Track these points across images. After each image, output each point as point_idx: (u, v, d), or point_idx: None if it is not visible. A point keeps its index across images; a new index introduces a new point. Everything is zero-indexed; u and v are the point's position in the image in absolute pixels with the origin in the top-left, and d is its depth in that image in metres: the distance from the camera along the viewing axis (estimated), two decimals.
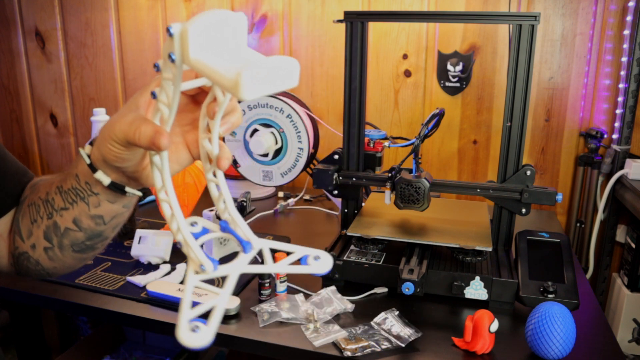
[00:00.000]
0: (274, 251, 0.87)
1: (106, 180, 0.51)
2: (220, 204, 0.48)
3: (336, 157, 1.01)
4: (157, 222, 1.26)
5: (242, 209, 0.98)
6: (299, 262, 0.48)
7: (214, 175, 0.48)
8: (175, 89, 0.42)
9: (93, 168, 0.51)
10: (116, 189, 0.52)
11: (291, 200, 1.42)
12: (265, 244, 0.47)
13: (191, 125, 0.51)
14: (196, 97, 0.50)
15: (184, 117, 0.51)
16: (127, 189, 0.53)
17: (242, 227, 0.47)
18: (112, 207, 0.55)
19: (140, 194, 0.55)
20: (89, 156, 0.51)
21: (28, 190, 0.62)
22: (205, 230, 0.49)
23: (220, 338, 0.81)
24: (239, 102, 0.50)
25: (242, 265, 0.46)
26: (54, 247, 0.58)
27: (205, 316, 0.41)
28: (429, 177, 0.92)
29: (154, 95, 0.44)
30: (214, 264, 0.45)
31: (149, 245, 1.03)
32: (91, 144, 0.52)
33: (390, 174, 0.94)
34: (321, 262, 0.48)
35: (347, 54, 0.95)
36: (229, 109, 0.46)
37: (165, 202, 0.47)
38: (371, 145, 1.02)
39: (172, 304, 0.87)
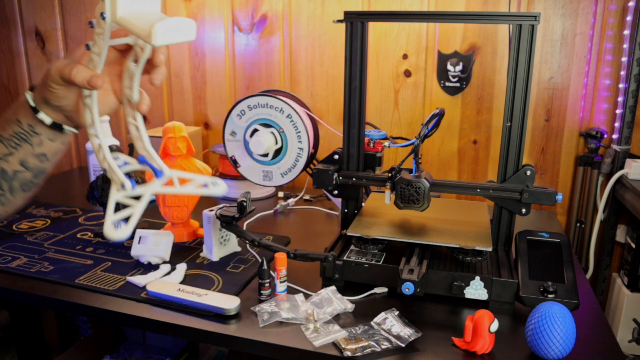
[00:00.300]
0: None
1: (48, 119, 0.61)
2: (139, 142, 0.61)
3: (336, 157, 1.01)
4: (157, 222, 1.26)
5: (242, 208, 0.98)
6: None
7: (134, 118, 0.61)
8: (105, 41, 0.54)
9: (36, 110, 0.61)
10: (56, 127, 0.62)
11: (291, 200, 1.42)
12: (175, 173, 0.62)
13: (119, 76, 0.63)
14: (124, 53, 0.61)
15: (114, 68, 0.62)
16: (65, 127, 0.62)
17: (156, 159, 0.60)
18: (53, 145, 0.64)
19: (76, 130, 0.65)
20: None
21: None
22: (125, 163, 0.61)
23: (220, 338, 0.81)
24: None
25: (154, 187, 0.60)
26: (5, 192, 0.64)
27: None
28: (429, 177, 0.92)
29: (87, 47, 0.56)
30: (132, 184, 0.59)
31: (149, 245, 1.03)
32: (31, 89, 0.62)
33: (390, 174, 0.94)
34: (218, 187, 0.62)
35: (347, 54, 0.95)
36: (154, 64, 0.59)
37: (94, 137, 0.59)
38: (371, 145, 1.02)
39: (172, 304, 0.87)
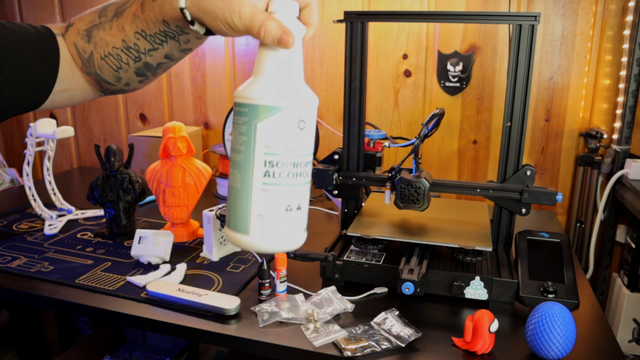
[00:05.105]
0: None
1: (202, 30, 0.57)
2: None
3: (336, 157, 1.01)
4: (157, 222, 1.26)
5: None
6: None
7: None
8: None
9: (192, 22, 0.55)
10: (208, 32, 0.58)
11: None
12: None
13: None
14: None
15: None
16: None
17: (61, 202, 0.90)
18: (199, 41, 0.62)
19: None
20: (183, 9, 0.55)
21: (79, 42, 0.64)
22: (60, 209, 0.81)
23: (220, 338, 0.81)
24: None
25: (66, 217, 0.81)
26: (149, 77, 0.66)
27: None
28: (429, 177, 0.92)
29: None
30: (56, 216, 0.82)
31: (148, 245, 1.03)
32: None
33: (390, 174, 0.94)
34: None
35: (347, 54, 0.95)
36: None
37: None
38: (371, 145, 1.02)
39: (172, 304, 0.87)
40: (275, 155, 0.49)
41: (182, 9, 0.54)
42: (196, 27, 0.55)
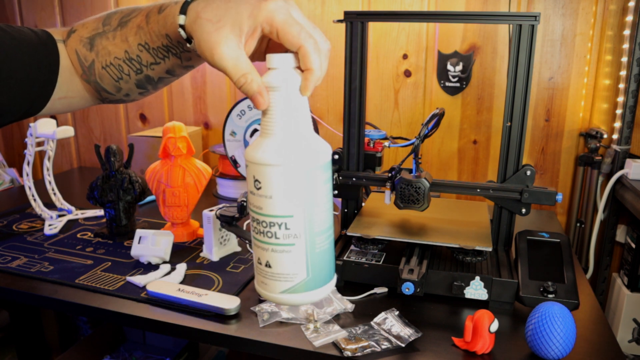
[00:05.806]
0: None
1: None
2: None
3: (336, 157, 1.01)
4: (157, 222, 1.26)
5: (242, 208, 0.98)
6: None
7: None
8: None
9: (189, 40, 0.55)
10: None
11: None
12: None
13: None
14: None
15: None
16: None
17: (62, 202, 0.96)
18: (200, 59, 0.61)
19: None
20: (183, 27, 0.54)
21: (81, 50, 0.64)
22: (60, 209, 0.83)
23: (220, 338, 0.81)
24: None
25: (66, 217, 0.85)
26: (149, 90, 0.66)
27: None
28: (429, 177, 0.92)
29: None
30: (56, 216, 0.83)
31: (148, 245, 1.03)
32: (184, 12, 0.53)
33: (390, 174, 0.94)
34: None
35: (347, 54, 0.95)
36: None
37: None
38: (371, 145, 1.02)
39: (172, 304, 0.87)
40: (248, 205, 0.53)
41: (180, 26, 0.54)
42: (193, 45, 0.54)
